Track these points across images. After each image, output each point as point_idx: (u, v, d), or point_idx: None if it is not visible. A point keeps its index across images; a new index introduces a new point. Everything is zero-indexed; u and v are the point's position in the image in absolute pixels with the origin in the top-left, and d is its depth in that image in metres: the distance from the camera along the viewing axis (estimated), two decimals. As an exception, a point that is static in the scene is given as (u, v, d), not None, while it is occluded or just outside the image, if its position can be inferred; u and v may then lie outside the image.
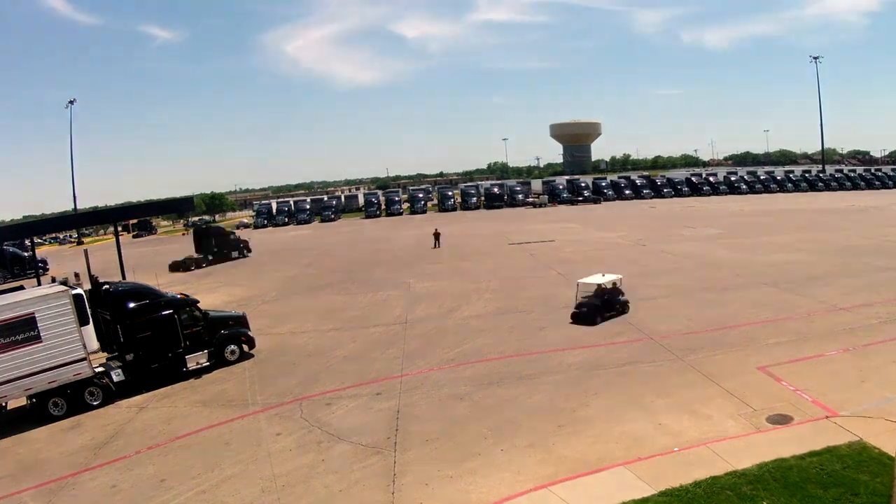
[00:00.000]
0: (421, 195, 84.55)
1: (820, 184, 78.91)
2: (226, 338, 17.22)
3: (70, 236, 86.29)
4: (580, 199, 77.52)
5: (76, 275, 32.98)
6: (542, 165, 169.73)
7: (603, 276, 19.72)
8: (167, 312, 16.15)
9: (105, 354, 16.85)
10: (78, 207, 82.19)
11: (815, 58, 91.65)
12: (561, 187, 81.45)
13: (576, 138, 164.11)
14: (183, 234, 78.15)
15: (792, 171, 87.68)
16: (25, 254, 44.35)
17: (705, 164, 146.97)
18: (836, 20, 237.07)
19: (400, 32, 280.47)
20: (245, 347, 17.69)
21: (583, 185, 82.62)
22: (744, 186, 79.19)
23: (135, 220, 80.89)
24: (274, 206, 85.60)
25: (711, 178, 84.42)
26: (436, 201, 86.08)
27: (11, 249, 45.11)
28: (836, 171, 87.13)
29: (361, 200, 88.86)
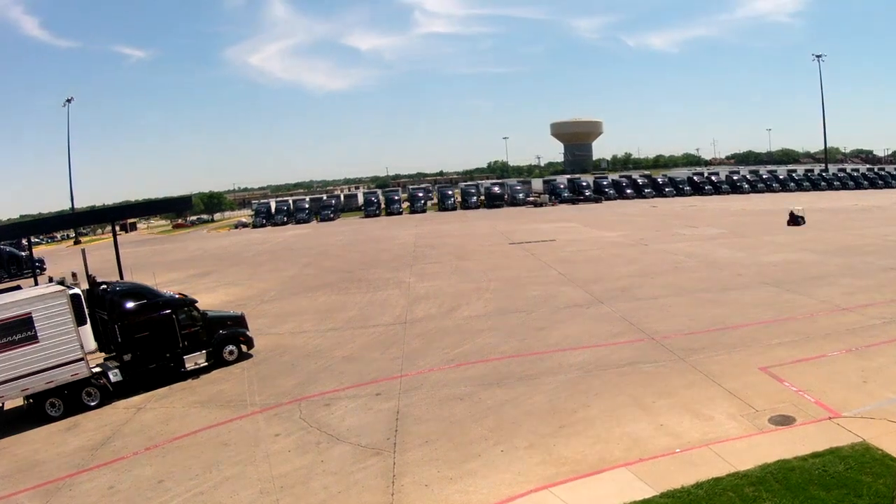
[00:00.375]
0: (421, 194, 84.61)
1: (823, 183, 78.95)
2: (224, 338, 17.21)
3: (67, 235, 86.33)
4: (581, 198, 77.50)
5: (73, 274, 32.97)
6: (542, 164, 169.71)
7: None
8: (165, 312, 16.14)
9: (103, 355, 16.86)
10: (75, 207, 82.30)
11: (818, 56, 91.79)
12: (562, 186, 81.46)
13: (577, 137, 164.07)
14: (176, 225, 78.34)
15: (794, 171, 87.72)
16: (22, 253, 44.38)
17: (707, 163, 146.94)
18: (768, 21, 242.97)
19: (352, 45, 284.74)
20: (244, 348, 17.69)
21: (584, 184, 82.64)
22: (746, 186, 79.23)
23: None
24: (273, 205, 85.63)
25: (713, 178, 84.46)
26: (436, 200, 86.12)
27: (8, 249, 45.14)
28: (839, 170, 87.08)
29: (361, 199, 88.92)
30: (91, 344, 16.40)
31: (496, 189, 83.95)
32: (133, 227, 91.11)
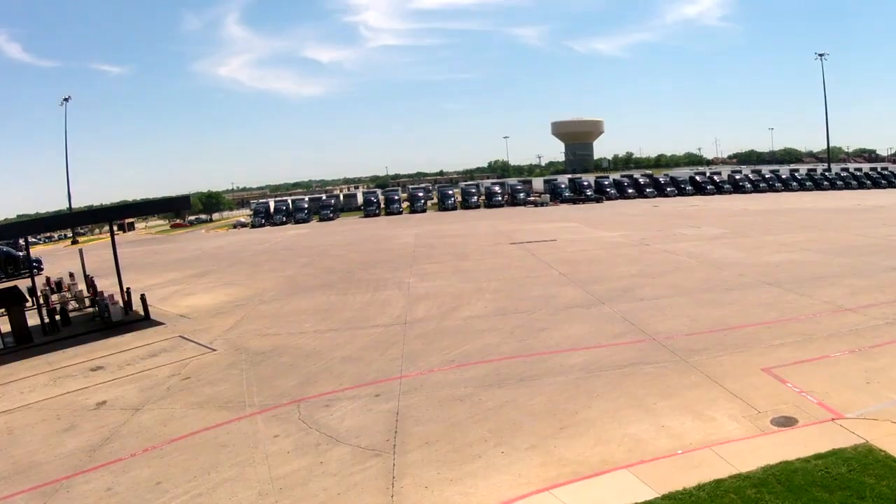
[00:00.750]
0: (421, 194, 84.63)
1: (825, 182, 78.93)
2: None
3: (64, 235, 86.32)
4: (581, 198, 77.49)
5: (70, 274, 32.99)
6: (543, 164, 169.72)
7: None
8: None
9: None
10: (73, 206, 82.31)
11: (821, 55, 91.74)
12: (563, 186, 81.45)
13: (578, 136, 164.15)
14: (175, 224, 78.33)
15: (797, 170, 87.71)
16: (20, 253, 44.36)
17: (709, 163, 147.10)
18: (699, 25, 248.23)
19: (312, 58, 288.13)
20: None
21: (585, 183, 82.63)
22: (748, 185, 79.22)
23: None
24: (272, 205, 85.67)
25: (715, 177, 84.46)
26: (436, 200, 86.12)
27: (5, 249, 45.10)
28: (842, 169, 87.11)
29: (360, 199, 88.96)
30: None
31: (497, 189, 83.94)
32: (131, 226, 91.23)
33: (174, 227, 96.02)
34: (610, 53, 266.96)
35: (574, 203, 74.88)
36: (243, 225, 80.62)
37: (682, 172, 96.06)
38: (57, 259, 52.07)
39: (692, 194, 77.62)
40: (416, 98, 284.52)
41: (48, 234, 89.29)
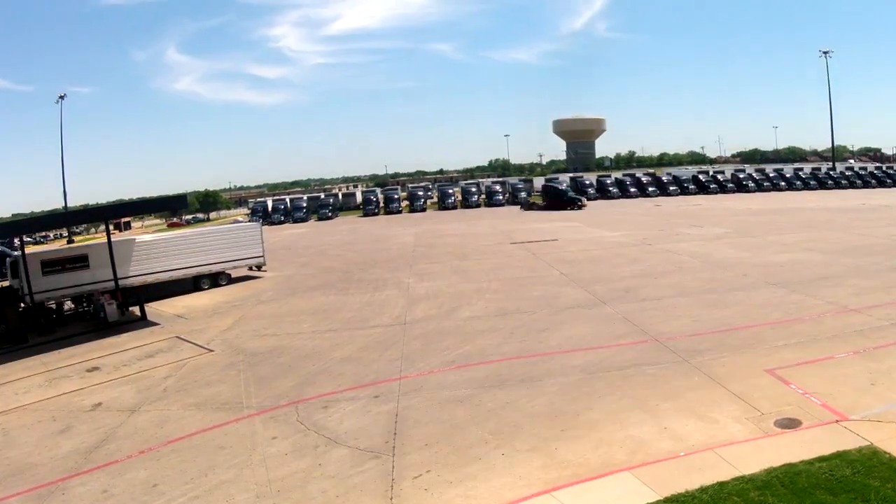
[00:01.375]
0: (420, 193, 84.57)
1: (830, 182, 78.81)
2: None
3: (60, 234, 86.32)
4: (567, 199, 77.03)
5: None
6: (545, 163, 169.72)
7: None
8: None
9: None
10: (68, 205, 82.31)
11: (825, 52, 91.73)
12: (565, 185, 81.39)
13: (579, 135, 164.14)
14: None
15: (801, 169, 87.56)
16: (15, 253, 44.33)
17: (712, 162, 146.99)
18: (592, 33, 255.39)
19: (258, 74, 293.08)
20: None
21: (587, 182, 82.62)
22: (752, 184, 79.14)
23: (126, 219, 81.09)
24: (269, 203, 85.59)
25: (719, 176, 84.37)
26: (436, 199, 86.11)
27: (0, 249, 45.08)
28: (847, 168, 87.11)
29: (359, 198, 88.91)
30: None
31: (497, 188, 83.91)
32: (127, 225, 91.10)
33: (171, 226, 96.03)
34: (528, 61, 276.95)
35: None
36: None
37: (685, 171, 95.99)
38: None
39: (695, 193, 77.53)
40: (377, 103, 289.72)
41: (43, 234, 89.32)
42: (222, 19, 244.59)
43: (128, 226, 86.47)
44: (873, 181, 78.64)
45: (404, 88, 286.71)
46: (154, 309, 25.59)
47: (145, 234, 46.24)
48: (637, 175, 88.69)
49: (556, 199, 65.73)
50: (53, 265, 25.42)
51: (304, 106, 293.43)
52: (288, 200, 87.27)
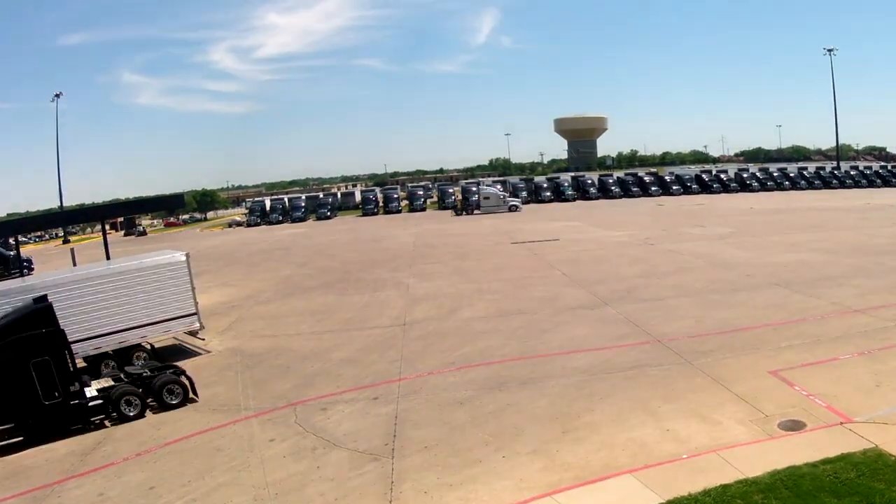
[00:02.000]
0: (420, 192, 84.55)
1: (834, 181, 78.73)
2: None
3: (55, 234, 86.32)
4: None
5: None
6: (546, 162, 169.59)
7: None
8: None
9: None
10: (64, 205, 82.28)
11: (829, 50, 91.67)
12: (566, 184, 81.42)
13: (581, 133, 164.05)
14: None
15: (805, 168, 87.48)
16: (9, 253, 44.36)
17: (716, 161, 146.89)
18: (499, 48, 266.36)
19: (214, 89, 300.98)
20: None
21: (589, 181, 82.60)
22: (755, 183, 79.10)
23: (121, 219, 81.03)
24: (267, 203, 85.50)
25: (722, 175, 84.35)
26: (436, 199, 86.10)
27: (-4, 248, 45.08)
28: (852, 167, 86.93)
29: (358, 198, 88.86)
30: None
31: (498, 187, 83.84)
32: (131, 223, 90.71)
33: (168, 225, 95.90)
34: (454, 70, 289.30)
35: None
36: (238, 224, 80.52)
37: (688, 170, 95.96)
38: (48, 258, 52.07)
39: (698, 193, 77.53)
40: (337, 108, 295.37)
41: (39, 233, 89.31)
42: (160, 52, 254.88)
43: (131, 224, 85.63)
44: (878, 181, 78.59)
45: (363, 96, 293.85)
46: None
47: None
48: (639, 174, 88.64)
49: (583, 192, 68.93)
50: None
51: (276, 111, 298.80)
52: (286, 200, 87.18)
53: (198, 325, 18.92)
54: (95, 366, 16.79)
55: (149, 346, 18.10)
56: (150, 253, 20.09)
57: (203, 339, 19.41)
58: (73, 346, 15.66)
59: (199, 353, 18.78)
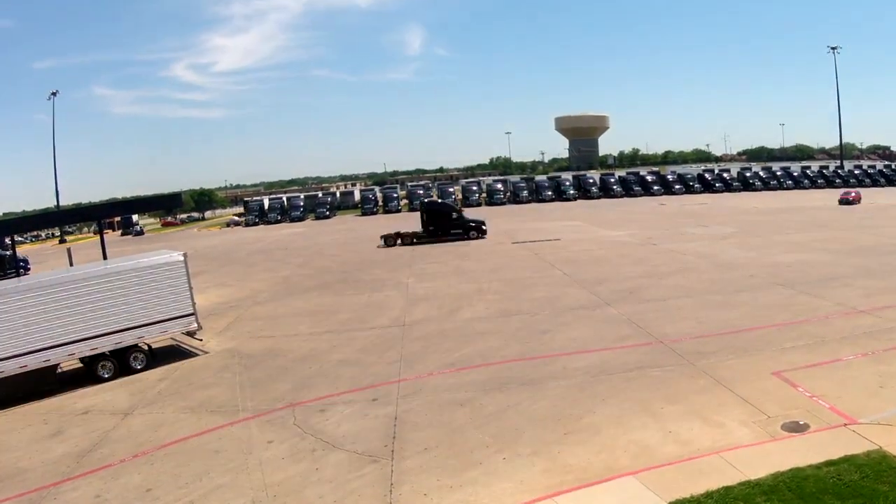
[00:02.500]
0: (420, 192, 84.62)
1: (838, 180, 78.90)
2: None
3: (52, 234, 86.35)
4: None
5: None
6: (547, 161, 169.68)
7: None
8: None
9: None
10: (60, 204, 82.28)
11: (833, 48, 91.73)
12: (567, 183, 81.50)
13: (582, 132, 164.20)
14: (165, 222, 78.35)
15: (809, 167, 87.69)
16: (6, 252, 44.36)
17: (718, 160, 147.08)
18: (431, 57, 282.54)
19: (187, 98, 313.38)
20: None
21: (590, 180, 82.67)
22: (758, 183, 79.30)
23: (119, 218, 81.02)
24: (266, 202, 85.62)
25: (725, 174, 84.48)
26: (436, 198, 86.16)
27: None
28: (855, 166, 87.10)
29: (357, 197, 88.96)
30: None
31: (499, 186, 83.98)
32: (128, 223, 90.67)
33: (165, 225, 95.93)
34: (405, 79, 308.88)
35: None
36: (236, 223, 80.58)
37: (691, 169, 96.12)
38: (44, 258, 52.09)
39: (700, 192, 77.66)
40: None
41: (35, 233, 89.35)
42: (120, 73, 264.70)
43: (129, 223, 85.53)
44: (882, 179, 78.75)
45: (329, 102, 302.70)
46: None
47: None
48: (641, 173, 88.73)
49: (440, 222, 44.33)
50: None
51: (255, 115, 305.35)
52: (285, 199, 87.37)
53: (195, 325, 18.82)
54: (92, 367, 16.85)
55: (146, 347, 18.05)
56: (148, 253, 20.15)
57: (201, 340, 19.43)
58: (70, 347, 16.26)
59: (197, 354, 18.77)
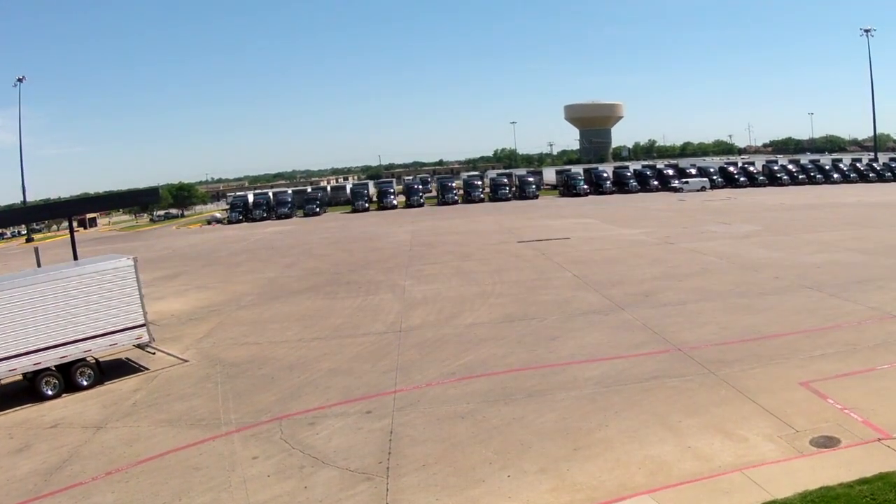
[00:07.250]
0: (418, 186, 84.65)
1: (872, 174, 78.80)
2: None
3: (18, 232, 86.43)
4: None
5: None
6: (555, 153, 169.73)
7: None
8: None
9: None
10: (27, 200, 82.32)
11: (867, 30, 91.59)
12: (578, 177, 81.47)
13: (593, 122, 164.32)
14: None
15: (840, 160, 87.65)
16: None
17: (741, 152, 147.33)
18: None
19: None
20: None
21: (604, 174, 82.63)
22: (786, 177, 79.15)
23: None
24: (250, 198, 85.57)
25: (749, 168, 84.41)
26: (435, 193, 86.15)
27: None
28: (891, 159, 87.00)
29: (350, 192, 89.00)
30: None
31: (503, 180, 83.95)
32: (93, 222, 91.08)
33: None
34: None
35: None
36: (218, 221, 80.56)
37: (712, 162, 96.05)
38: (9, 258, 52.15)
39: (722, 187, 77.61)
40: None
41: (0, 231, 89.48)
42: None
43: (93, 223, 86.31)
44: (920, 173, 78.59)
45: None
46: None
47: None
48: (658, 166, 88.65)
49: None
50: None
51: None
52: (271, 194, 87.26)
53: (146, 337, 18.54)
54: (34, 382, 16.51)
55: (93, 361, 17.68)
56: (95, 257, 19.72)
57: (153, 353, 19.13)
58: (10, 363, 15.92)
59: (147, 370, 18.45)
